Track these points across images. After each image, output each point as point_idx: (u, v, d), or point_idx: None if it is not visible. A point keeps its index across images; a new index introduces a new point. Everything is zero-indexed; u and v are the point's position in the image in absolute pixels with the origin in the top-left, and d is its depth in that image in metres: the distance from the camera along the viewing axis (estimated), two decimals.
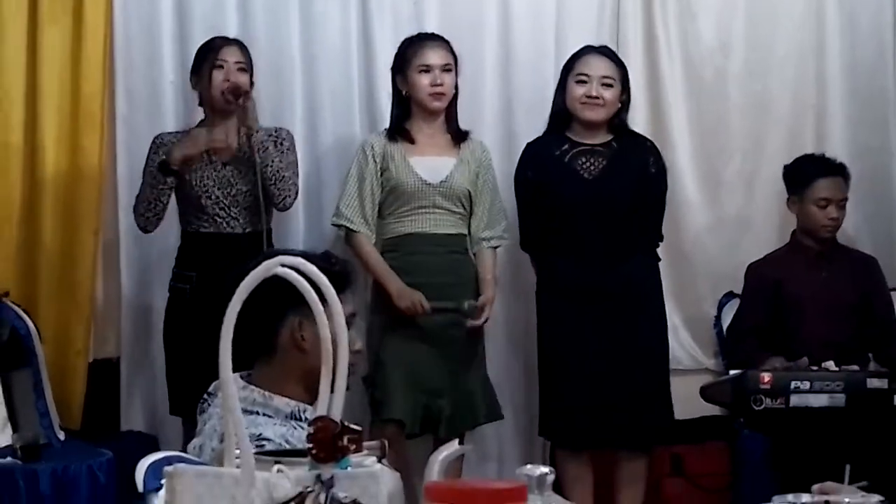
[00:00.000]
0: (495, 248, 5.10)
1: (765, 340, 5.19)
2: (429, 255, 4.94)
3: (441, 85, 4.96)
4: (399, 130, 5.02)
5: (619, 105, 5.04)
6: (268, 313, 2.48)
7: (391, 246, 4.99)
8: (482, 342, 5.05)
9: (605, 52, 5.13)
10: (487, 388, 5.03)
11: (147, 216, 4.93)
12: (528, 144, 5.13)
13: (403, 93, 5.03)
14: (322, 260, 2.38)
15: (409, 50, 5.02)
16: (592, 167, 5.01)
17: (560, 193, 4.98)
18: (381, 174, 4.99)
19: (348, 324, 2.62)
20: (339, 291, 2.48)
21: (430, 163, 4.99)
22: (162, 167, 4.85)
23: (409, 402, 4.83)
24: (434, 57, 4.98)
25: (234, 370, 2.57)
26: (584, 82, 4.99)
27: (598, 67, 5.01)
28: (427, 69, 4.97)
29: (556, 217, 5.01)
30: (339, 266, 2.59)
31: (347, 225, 4.97)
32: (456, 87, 5.07)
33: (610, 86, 5.00)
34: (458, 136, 5.07)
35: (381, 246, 5.02)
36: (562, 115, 5.06)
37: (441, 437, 4.81)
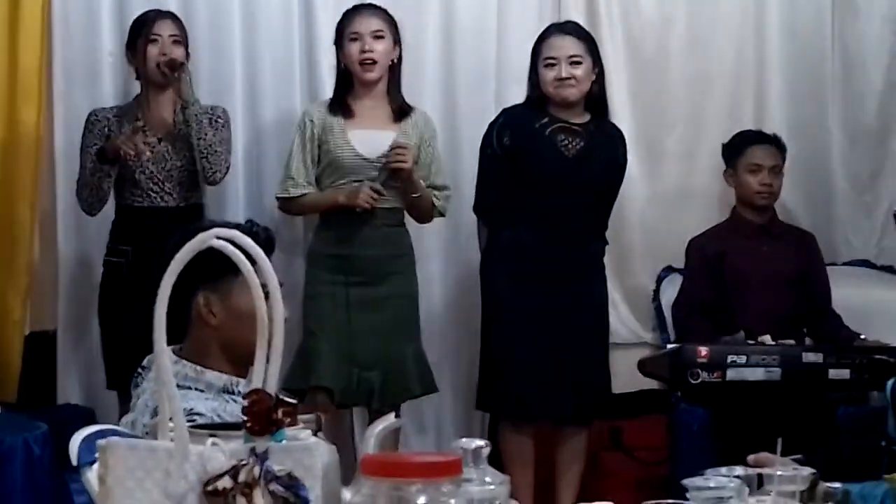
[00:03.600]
0: (436, 205, 5.05)
1: (713, 316, 5.23)
2: (364, 228, 4.91)
3: (371, 52, 4.92)
4: (339, 102, 5.00)
5: (594, 78, 5.02)
6: (179, 290, 2.47)
7: (327, 218, 4.98)
8: (416, 315, 5.04)
9: (568, 29, 5.10)
10: (421, 360, 5.02)
11: (90, 201, 4.94)
12: (505, 110, 5.09)
13: (343, 66, 5.01)
14: (245, 228, 2.37)
15: (343, 21, 5.00)
16: (571, 146, 5.00)
17: (539, 166, 4.95)
18: (321, 146, 4.97)
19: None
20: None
21: (368, 137, 4.95)
22: (100, 156, 4.83)
23: (338, 371, 4.83)
24: (362, 24, 4.94)
25: (168, 344, 2.58)
26: (553, 65, 4.96)
27: (563, 48, 4.98)
28: (356, 37, 4.94)
29: (525, 188, 4.98)
30: (261, 233, 2.61)
31: (304, 191, 4.94)
32: (400, 59, 5.04)
33: (579, 63, 4.97)
34: (402, 111, 5.03)
35: (318, 218, 5.02)
36: (538, 96, 5.03)
37: (374, 409, 4.84)
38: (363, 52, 4.92)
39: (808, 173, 5.75)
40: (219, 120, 4.96)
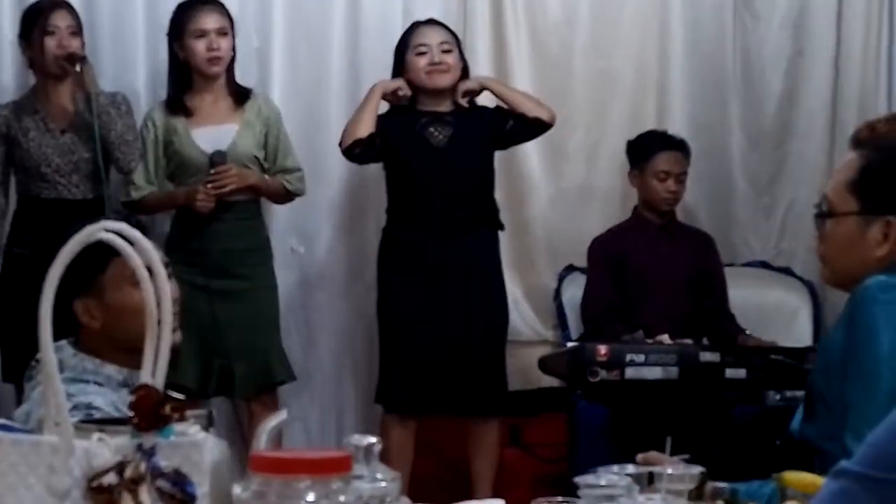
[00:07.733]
0: (290, 189, 5.09)
1: (619, 315, 5.26)
2: (217, 222, 4.94)
3: (217, 49, 4.95)
4: (177, 103, 5.01)
5: (460, 72, 5.09)
6: (59, 299, 2.47)
7: (183, 215, 5.00)
8: (276, 306, 5.08)
9: (434, 22, 5.20)
10: (281, 350, 5.08)
11: None
12: (378, 116, 5.10)
13: (181, 59, 5.00)
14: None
15: (184, 15, 5.00)
16: (440, 135, 5.05)
17: (409, 160, 5.01)
18: (167, 147, 4.99)
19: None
20: None
21: (212, 133, 4.98)
22: None
23: (198, 363, 4.85)
24: (209, 21, 4.96)
25: (67, 336, 2.56)
26: (424, 53, 5.03)
27: (433, 36, 5.08)
28: (203, 34, 4.95)
29: (402, 185, 5.03)
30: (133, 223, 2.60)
31: (144, 192, 4.97)
32: (234, 50, 5.05)
33: (449, 51, 5.06)
34: (240, 97, 5.05)
35: (172, 215, 5.05)
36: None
37: (237, 399, 4.93)
38: (210, 49, 4.94)
39: (709, 174, 5.80)
40: (122, 107, 4.93)
